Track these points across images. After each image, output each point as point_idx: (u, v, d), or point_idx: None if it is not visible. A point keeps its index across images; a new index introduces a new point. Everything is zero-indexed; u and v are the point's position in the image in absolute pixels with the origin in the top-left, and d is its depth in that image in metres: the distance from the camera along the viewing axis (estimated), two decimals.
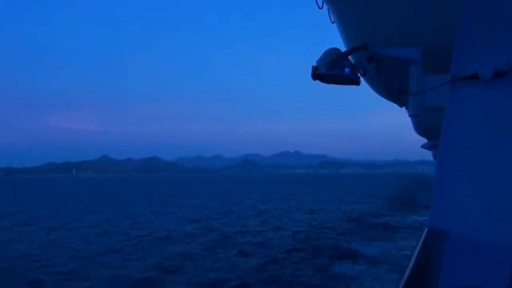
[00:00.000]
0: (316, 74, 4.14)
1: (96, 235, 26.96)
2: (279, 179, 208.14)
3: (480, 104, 3.16)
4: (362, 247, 20.94)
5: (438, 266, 2.53)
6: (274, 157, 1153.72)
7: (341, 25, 4.33)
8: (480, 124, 3.13)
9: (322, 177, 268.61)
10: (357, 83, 4.35)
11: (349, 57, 4.37)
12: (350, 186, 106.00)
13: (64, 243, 24.12)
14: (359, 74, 4.33)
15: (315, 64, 4.13)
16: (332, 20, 4.30)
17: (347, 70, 4.13)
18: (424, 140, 23.79)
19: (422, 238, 2.50)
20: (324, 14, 4.30)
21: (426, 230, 2.81)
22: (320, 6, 4.26)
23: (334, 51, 4.15)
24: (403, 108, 8.34)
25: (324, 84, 4.43)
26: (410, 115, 5.56)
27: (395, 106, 8.52)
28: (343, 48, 4.41)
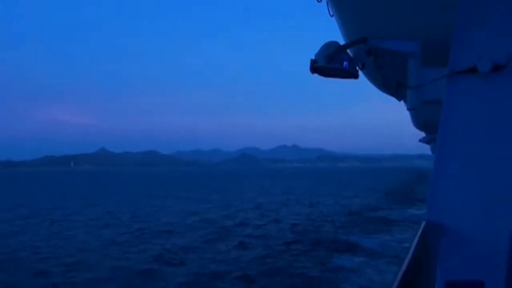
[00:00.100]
0: (315, 68, 4.11)
1: (98, 227, 27.19)
2: (276, 173, 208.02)
3: (478, 98, 3.15)
4: (361, 239, 21.17)
5: (435, 259, 2.53)
6: (272, 151, 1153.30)
7: (340, 18, 4.30)
8: (478, 117, 3.13)
9: (320, 171, 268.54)
10: (355, 76, 4.33)
11: (348, 51, 4.33)
12: (347, 180, 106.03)
13: (66, 235, 24.35)
14: (357, 68, 4.29)
15: (313, 58, 4.13)
16: (331, 13, 4.26)
17: (345, 63, 4.11)
18: (422, 134, 23.89)
19: (420, 232, 2.49)
20: (323, 7, 4.29)
21: (423, 223, 2.78)
22: None
23: (333, 45, 4.14)
24: (402, 102, 8.36)
25: (323, 77, 4.42)
26: (408, 109, 5.47)
27: (394, 99, 8.54)
28: (342, 42, 4.38)
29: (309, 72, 4.31)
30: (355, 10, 4.05)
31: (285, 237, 22.59)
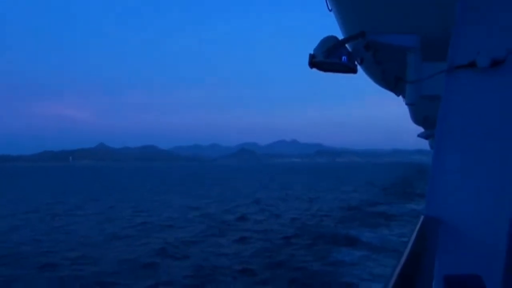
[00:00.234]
0: (313, 62, 4.02)
1: (100, 222, 27.36)
2: (275, 168, 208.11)
3: (477, 93, 3.14)
4: (360, 234, 21.37)
5: (433, 253, 2.49)
6: (270, 146, 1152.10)
7: (338, 12, 4.22)
8: (477, 112, 3.11)
9: (318, 166, 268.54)
10: (354, 71, 4.26)
11: (347, 45, 4.24)
12: (346, 175, 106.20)
13: (69, 229, 24.48)
14: (356, 62, 4.22)
15: (312, 52, 4.07)
16: (330, 8, 4.18)
17: (344, 58, 4.04)
18: (421, 129, 24.00)
19: (418, 226, 2.47)
20: (322, 2, 4.28)
21: (422, 218, 2.76)
22: None
23: (331, 39, 4.08)
24: (400, 97, 8.37)
25: (321, 72, 4.38)
26: (407, 104, 5.53)
27: (392, 94, 8.58)
28: (340, 36, 4.32)
29: (308, 67, 4.26)
30: (354, 4, 4.02)
31: (285, 232, 22.78)
